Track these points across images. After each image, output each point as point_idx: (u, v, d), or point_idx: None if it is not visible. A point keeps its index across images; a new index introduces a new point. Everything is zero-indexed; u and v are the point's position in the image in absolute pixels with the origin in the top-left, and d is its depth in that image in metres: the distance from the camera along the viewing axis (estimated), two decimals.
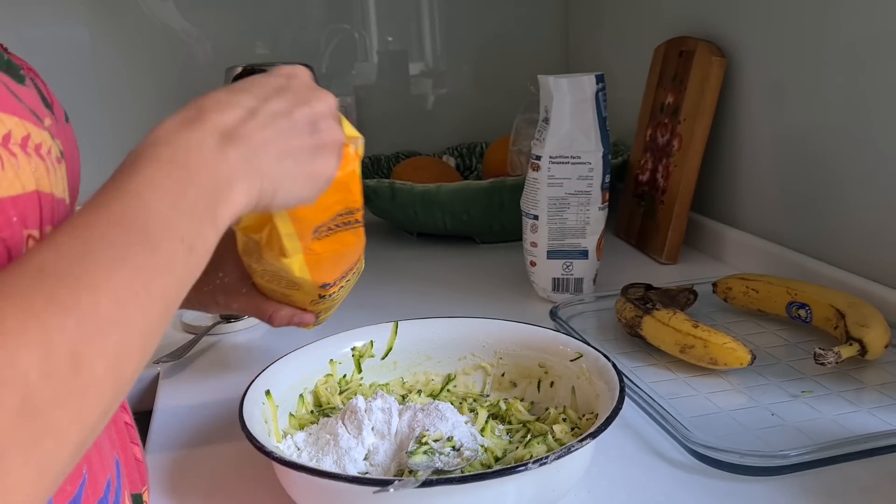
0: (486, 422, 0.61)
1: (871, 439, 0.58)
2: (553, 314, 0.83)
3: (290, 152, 0.46)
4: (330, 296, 0.66)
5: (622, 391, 0.54)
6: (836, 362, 0.67)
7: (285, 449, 0.58)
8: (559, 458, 0.47)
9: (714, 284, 0.87)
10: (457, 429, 0.56)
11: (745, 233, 1.03)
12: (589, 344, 0.64)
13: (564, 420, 0.60)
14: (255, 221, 0.56)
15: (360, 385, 0.67)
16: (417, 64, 1.51)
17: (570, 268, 0.92)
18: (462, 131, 1.48)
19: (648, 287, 0.83)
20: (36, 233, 0.37)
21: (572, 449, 0.48)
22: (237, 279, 0.67)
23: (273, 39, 1.42)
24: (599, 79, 0.88)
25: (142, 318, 0.34)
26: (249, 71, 1.13)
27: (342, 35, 1.46)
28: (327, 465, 0.55)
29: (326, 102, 0.49)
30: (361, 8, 1.46)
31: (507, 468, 0.47)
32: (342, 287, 0.67)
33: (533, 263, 0.93)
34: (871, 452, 0.57)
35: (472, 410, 0.63)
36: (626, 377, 0.63)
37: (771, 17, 0.96)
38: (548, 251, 0.91)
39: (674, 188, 1.05)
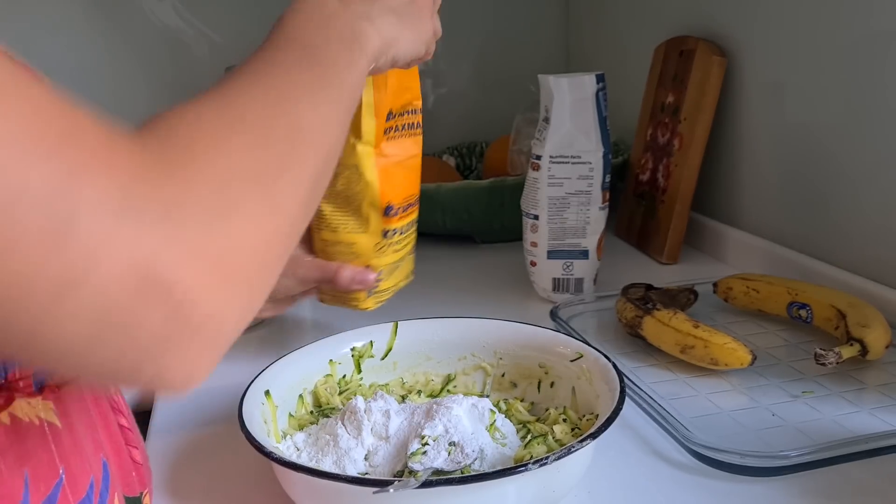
0: (492, 423, 0.60)
1: (871, 440, 0.58)
2: (553, 314, 0.83)
3: (396, 10, 0.54)
4: (392, 232, 0.71)
5: (622, 392, 0.54)
6: (837, 363, 0.67)
7: (285, 449, 0.57)
8: (559, 458, 0.47)
9: (714, 284, 0.87)
10: (458, 428, 0.56)
11: (745, 232, 1.03)
12: (589, 344, 0.63)
13: (565, 420, 0.59)
14: None
15: (360, 385, 0.67)
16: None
17: (571, 268, 0.91)
18: (462, 131, 1.48)
19: (649, 287, 0.83)
20: None
21: (572, 450, 0.48)
22: (300, 249, 0.72)
23: None
24: (600, 78, 0.87)
25: (334, 100, 0.44)
26: None
27: None
28: (327, 465, 0.55)
29: None
30: None
31: (507, 469, 0.47)
32: (400, 245, 0.73)
33: (533, 263, 0.93)
34: (872, 453, 0.57)
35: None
36: (627, 377, 0.63)
37: (771, 16, 0.96)
38: (548, 251, 0.91)
39: (674, 188, 1.05)
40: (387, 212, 0.70)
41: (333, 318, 0.86)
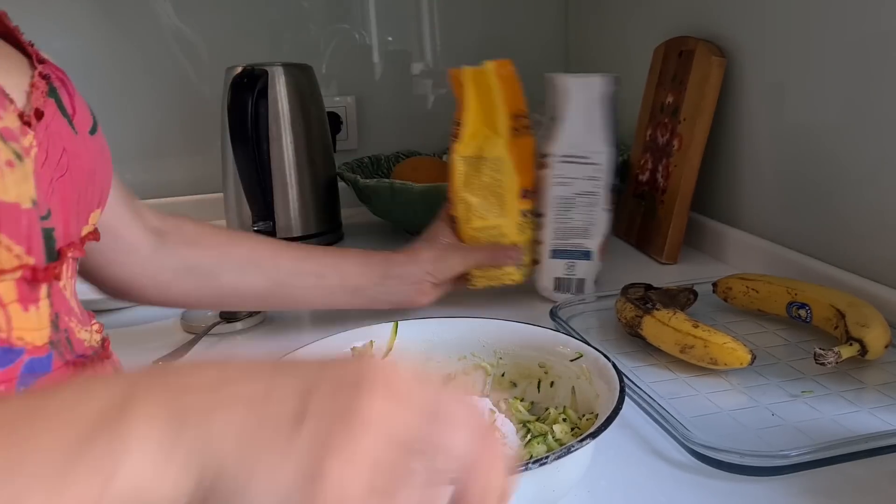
0: (492, 423, 0.60)
1: (871, 439, 0.58)
2: (553, 314, 0.83)
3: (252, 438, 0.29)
4: (525, 213, 0.87)
5: (622, 391, 0.54)
6: (837, 362, 0.67)
7: None
8: (559, 458, 0.47)
9: (714, 284, 0.87)
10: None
11: (745, 232, 1.03)
12: (589, 344, 0.63)
13: (564, 420, 0.59)
14: (469, 144, 0.84)
15: None
16: (417, 64, 1.51)
17: (573, 268, 0.92)
18: None
19: (648, 287, 0.83)
20: None
21: (572, 449, 0.48)
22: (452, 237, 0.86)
23: (273, 39, 1.42)
24: (613, 81, 0.88)
25: None
26: (249, 72, 1.12)
27: (342, 35, 1.46)
28: None
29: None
30: (361, 8, 1.46)
31: (522, 463, 0.47)
32: (530, 225, 0.89)
33: (536, 262, 0.93)
34: (872, 452, 0.57)
35: None
36: (626, 377, 0.63)
37: (771, 16, 0.96)
38: (552, 250, 0.91)
39: (674, 188, 1.05)
40: (523, 195, 0.86)
41: (334, 317, 0.86)
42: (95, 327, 0.51)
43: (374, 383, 0.30)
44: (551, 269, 0.92)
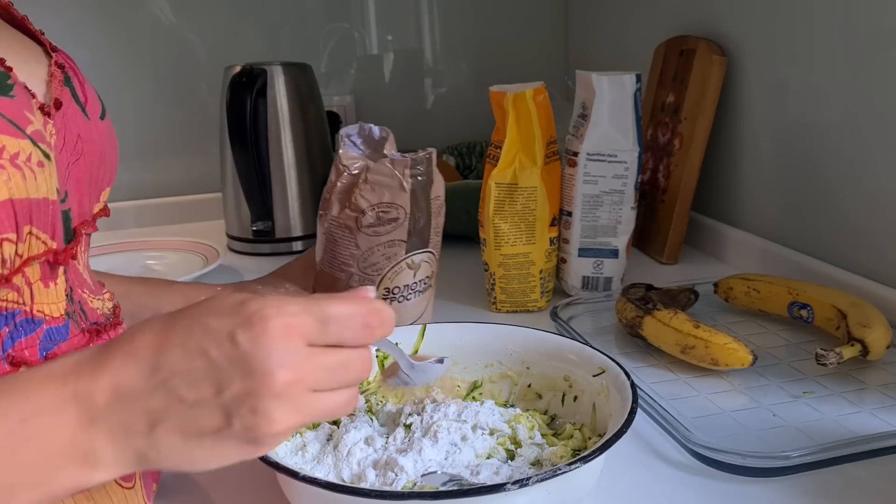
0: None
1: (873, 440, 0.58)
2: (554, 315, 0.83)
3: (192, 436, 0.38)
4: (553, 240, 0.89)
5: (632, 412, 0.51)
6: (838, 363, 0.67)
7: (291, 446, 0.57)
8: (542, 480, 0.45)
9: (715, 284, 0.87)
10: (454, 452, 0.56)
11: (746, 232, 1.03)
12: (589, 344, 0.63)
13: (578, 432, 0.59)
14: (505, 171, 0.84)
15: (381, 386, 0.65)
16: (417, 63, 1.51)
17: (601, 266, 0.92)
18: (462, 131, 1.48)
19: (649, 287, 0.83)
20: (12, 235, 0.41)
21: (558, 472, 0.46)
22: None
23: (272, 39, 1.42)
24: (637, 78, 0.87)
25: None
26: (248, 72, 1.12)
27: (341, 34, 1.46)
28: (326, 465, 0.55)
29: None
30: (361, 7, 1.46)
31: (500, 484, 0.45)
32: (556, 252, 0.91)
33: (563, 260, 0.93)
34: (874, 453, 0.57)
35: (493, 433, 0.60)
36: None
37: (772, 15, 0.96)
38: (579, 248, 0.91)
39: (674, 188, 1.05)
40: (553, 223, 0.88)
41: None
42: (107, 295, 0.55)
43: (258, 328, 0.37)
44: (578, 268, 0.92)
